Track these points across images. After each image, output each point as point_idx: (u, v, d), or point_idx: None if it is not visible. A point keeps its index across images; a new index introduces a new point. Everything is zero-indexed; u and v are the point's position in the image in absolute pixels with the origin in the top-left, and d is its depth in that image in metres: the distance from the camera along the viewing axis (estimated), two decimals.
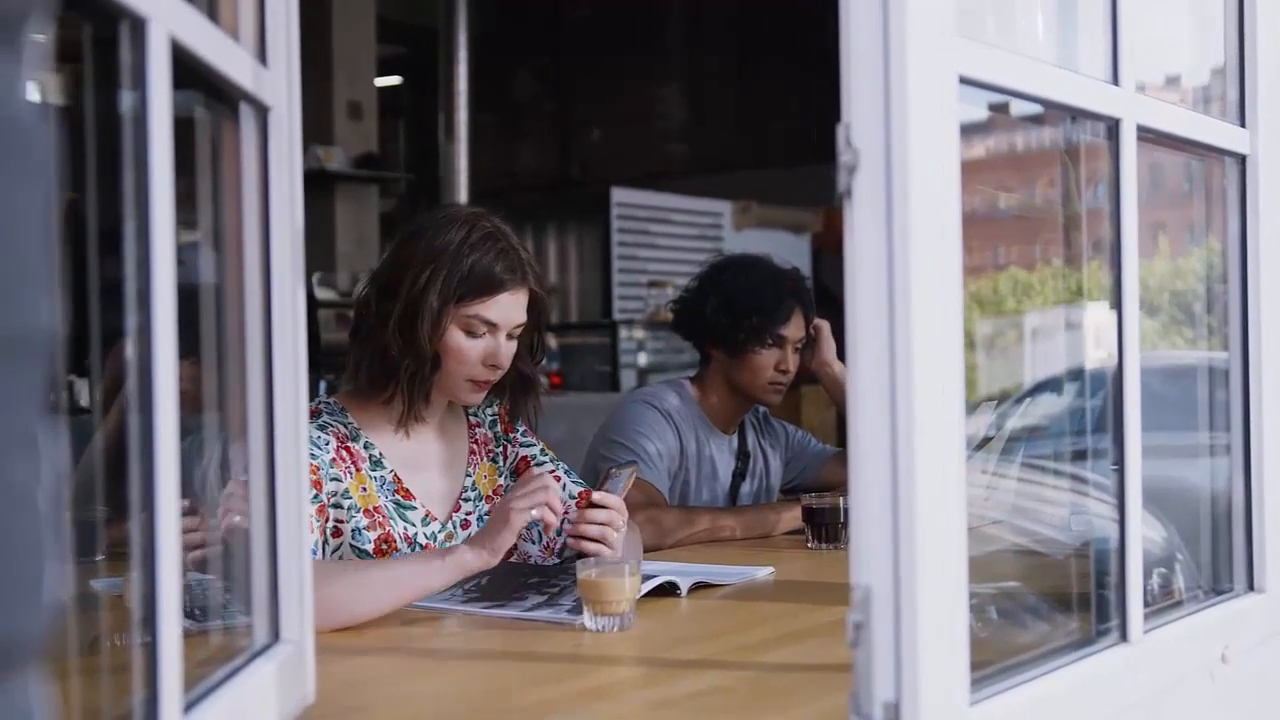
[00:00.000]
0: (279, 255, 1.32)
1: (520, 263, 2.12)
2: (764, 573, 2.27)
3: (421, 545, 2.13)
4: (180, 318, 1.00)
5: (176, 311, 0.99)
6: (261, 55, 1.30)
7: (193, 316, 1.22)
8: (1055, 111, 1.51)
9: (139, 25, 0.96)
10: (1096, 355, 1.84)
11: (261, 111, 1.30)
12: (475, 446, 2.28)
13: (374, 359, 2.12)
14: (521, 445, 2.33)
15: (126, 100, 0.98)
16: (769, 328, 2.88)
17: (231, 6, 1.27)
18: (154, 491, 0.96)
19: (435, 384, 2.15)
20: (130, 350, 0.97)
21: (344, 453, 2.09)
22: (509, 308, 2.12)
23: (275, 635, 1.32)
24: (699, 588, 2.10)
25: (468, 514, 2.22)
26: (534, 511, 1.90)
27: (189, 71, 1.07)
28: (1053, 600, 1.63)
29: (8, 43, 0.48)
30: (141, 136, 0.97)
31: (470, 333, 2.10)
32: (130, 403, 0.97)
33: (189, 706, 1.05)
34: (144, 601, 0.97)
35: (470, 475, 2.25)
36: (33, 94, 0.51)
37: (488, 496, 2.27)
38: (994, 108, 1.39)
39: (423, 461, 2.20)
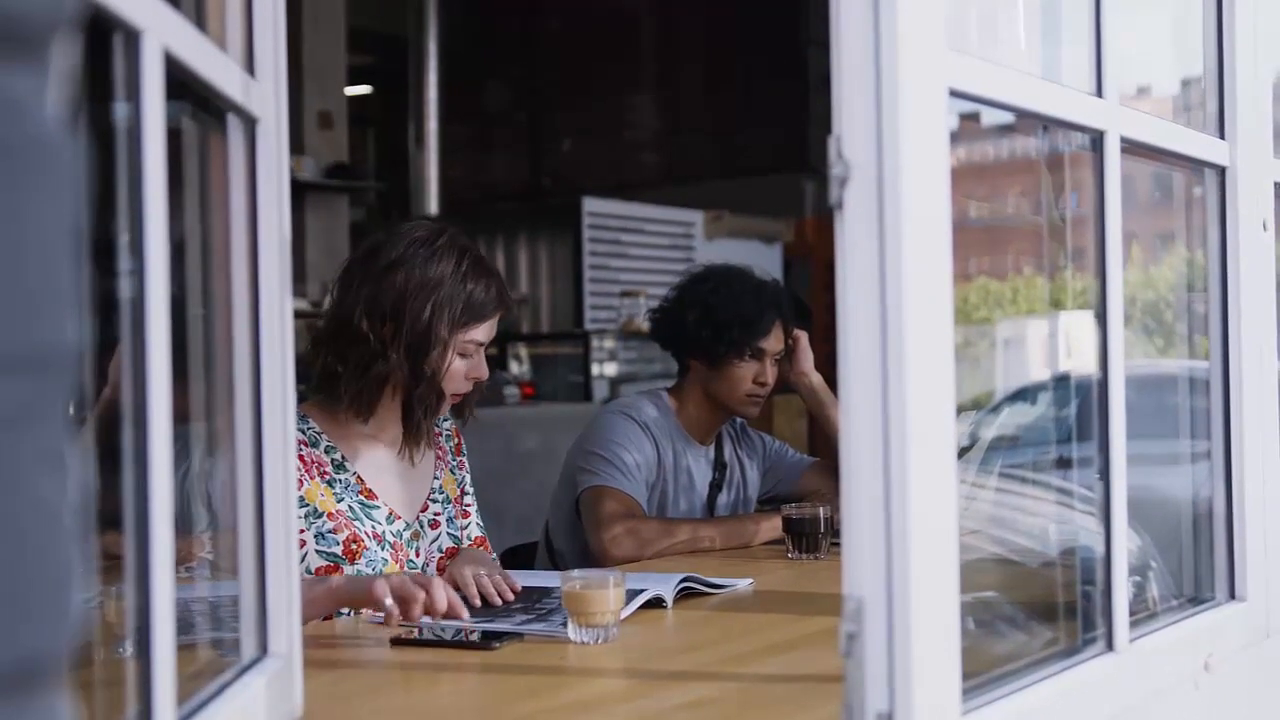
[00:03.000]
0: (267, 266, 1.31)
1: (504, 287, 2.27)
2: (744, 584, 2.28)
3: (390, 543, 2.20)
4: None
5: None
6: (249, 67, 1.29)
7: (178, 327, 1.21)
8: (1027, 121, 1.51)
9: (133, 37, 0.95)
10: (1070, 364, 1.85)
11: (250, 123, 1.29)
12: (440, 452, 2.38)
13: (372, 383, 2.16)
14: (466, 471, 2.43)
15: (119, 111, 0.97)
16: (749, 340, 2.88)
17: (219, 17, 1.26)
18: (148, 506, 0.96)
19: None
20: (124, 362, 0.97)
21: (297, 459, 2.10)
22: (493, 327, 2.26)
23: (263, 649, 1.31)
24: (685, 595, 2.10)
25: (435, 514, 2.32)
26: (388, 601, 1.80)
27: (177, 82, 1.06)
28: (1037, 610, 1.63)
29: (34, 60, 0.48)
30: (135, 148, 0.96)
31: (464, 355, 2.22)
32: (122, 413, 0.97)
33: None
34: (138, 616, 0.96)
35: (438, 478, 2.35)
36: (57, 110, 0.50)
37: (453, 500, 2.37)
38: (964, 117, 1.38)
39: (388, 464, 2.27)
